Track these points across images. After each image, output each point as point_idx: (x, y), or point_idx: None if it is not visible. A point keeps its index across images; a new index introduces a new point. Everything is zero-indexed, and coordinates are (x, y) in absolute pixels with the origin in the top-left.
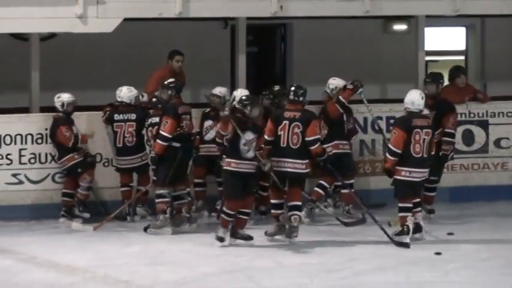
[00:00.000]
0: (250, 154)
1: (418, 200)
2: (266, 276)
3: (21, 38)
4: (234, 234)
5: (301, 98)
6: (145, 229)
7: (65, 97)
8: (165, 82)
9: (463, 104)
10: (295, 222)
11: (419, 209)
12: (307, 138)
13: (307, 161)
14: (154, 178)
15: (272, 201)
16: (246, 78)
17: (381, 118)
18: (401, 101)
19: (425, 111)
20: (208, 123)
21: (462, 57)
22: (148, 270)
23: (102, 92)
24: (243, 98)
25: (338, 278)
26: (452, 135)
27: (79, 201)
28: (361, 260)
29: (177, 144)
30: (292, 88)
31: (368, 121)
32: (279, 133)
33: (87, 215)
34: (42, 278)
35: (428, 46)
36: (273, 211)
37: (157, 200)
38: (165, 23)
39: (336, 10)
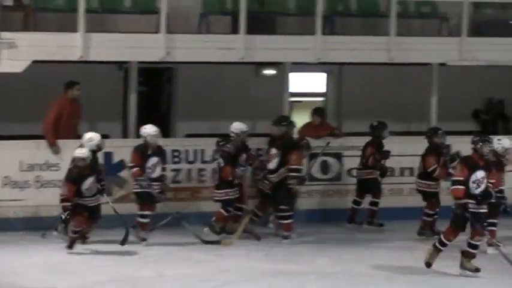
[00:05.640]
0: None
1: None
2: (148, 285)
3: None
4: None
5: None
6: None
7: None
8: None
9: (322, 138)
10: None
11: None
12: None
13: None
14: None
15: None
16: (136, 113)
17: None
18: (268, 135)
19: (273, 151)
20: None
21: (322, 99)
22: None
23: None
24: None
25: (210, 287)
26: (296, 170)
27: None
28: (231, 272)
29: None
30: None
31: None
32: None
33: None
34: None
35: (293, 89)
36: None
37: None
38: (69, 64)
39: (216, 56)
